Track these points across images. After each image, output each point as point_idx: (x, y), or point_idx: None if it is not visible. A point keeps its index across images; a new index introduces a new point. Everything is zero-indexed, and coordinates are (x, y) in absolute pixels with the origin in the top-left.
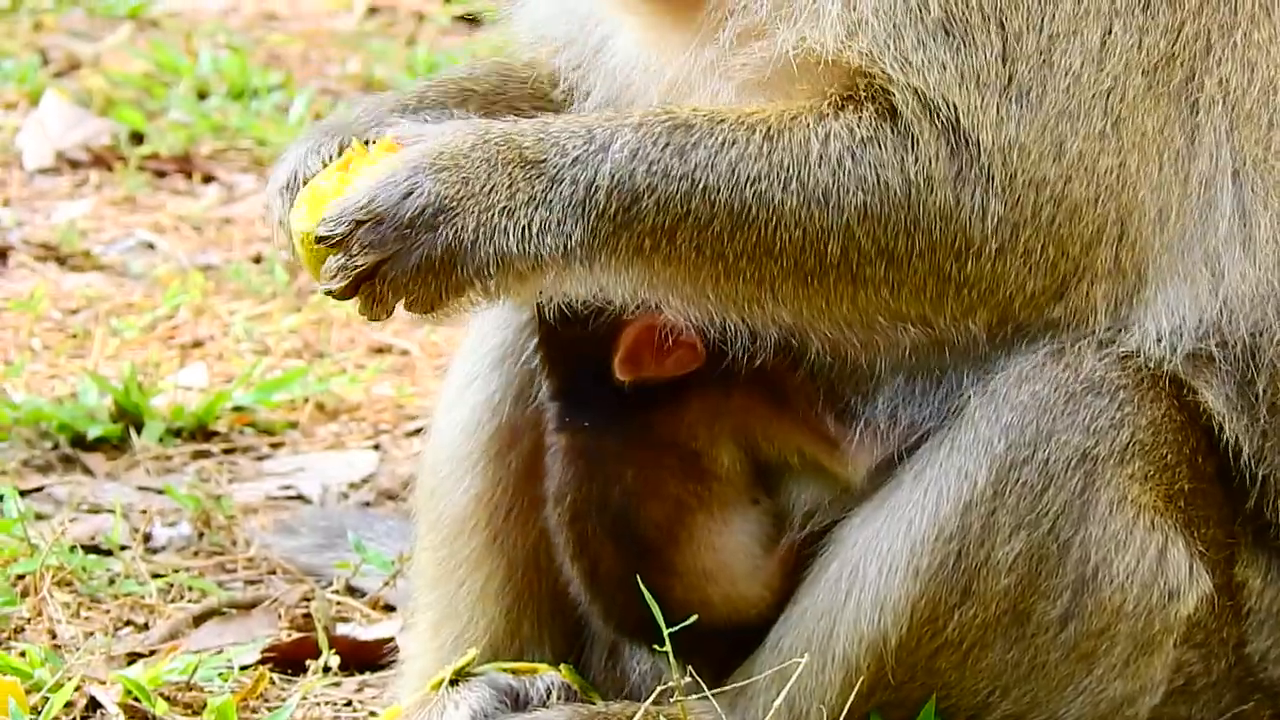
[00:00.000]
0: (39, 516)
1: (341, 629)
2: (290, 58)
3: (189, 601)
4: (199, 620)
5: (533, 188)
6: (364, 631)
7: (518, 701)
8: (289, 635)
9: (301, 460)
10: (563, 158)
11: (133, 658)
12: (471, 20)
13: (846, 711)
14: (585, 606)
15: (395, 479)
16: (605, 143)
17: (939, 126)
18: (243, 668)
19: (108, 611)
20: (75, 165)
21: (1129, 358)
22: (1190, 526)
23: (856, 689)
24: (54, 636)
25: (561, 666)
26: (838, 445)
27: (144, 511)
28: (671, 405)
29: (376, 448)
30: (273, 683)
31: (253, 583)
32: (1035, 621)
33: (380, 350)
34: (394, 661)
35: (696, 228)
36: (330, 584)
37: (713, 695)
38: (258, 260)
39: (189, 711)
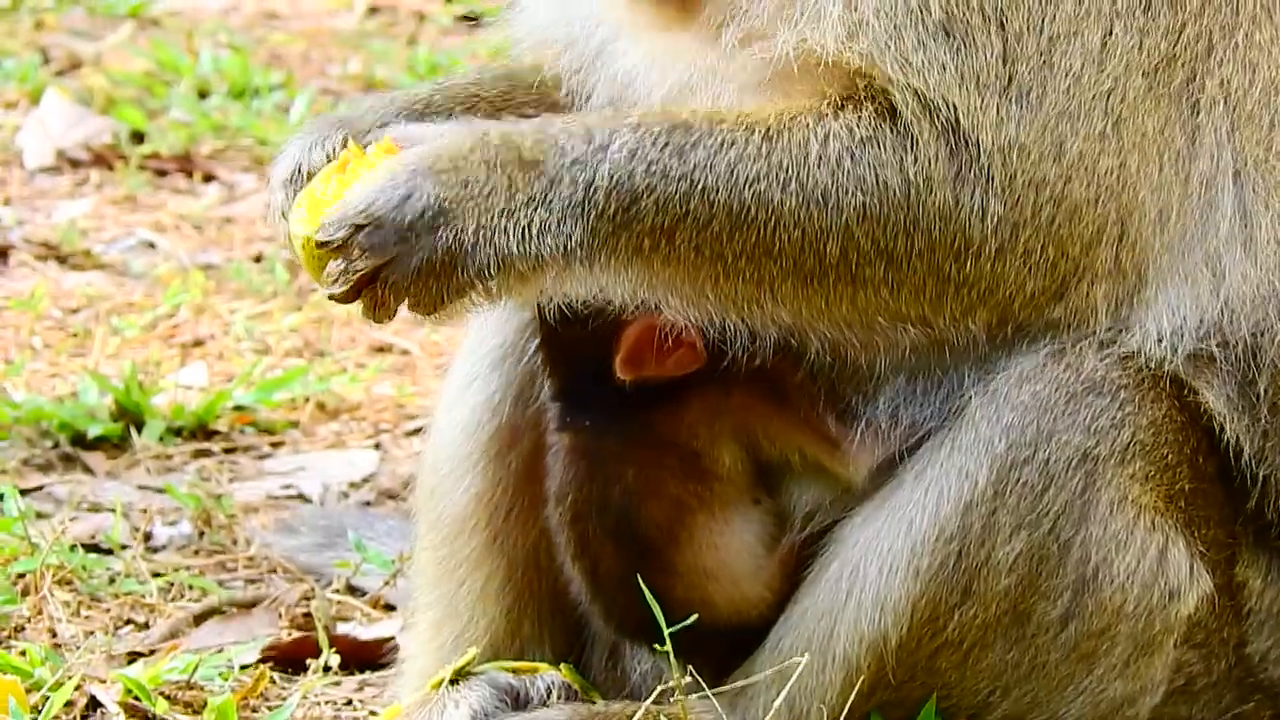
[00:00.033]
0: (39, 515)
1: (342, 628)
2: (291, 57)
3: (189, 600)
4: (199, 619)
5: (532, 189)
6: (364, 631)
7: (518, 701)
8: (289, 634)
9: (302, 459)
10: (562, 158)
11: (133, 657)
12: (472, 20)
13: (847, 711)
14: (586, 606)
15: (396, 478)
16: (604, 143)
17: (939, 127)
18: (243, 667)
19: (108, 610)
20: (76, 164)
21: (1130, 358)
22: (1191, 527)
23: (857, 689)
24: (54, 635)
25: (562, 666)
26: (838, 445)
27: (144, 510)
28: (672, 405)
29: (377, 447)
30: (273, 682)
31: (253, 582)
32: (1036, 621)
33: (381, 350)
34: (394, 661)
35: (695, 228)
36: (330, 583)
37: (713, 695)
38: (258, 259)
39: (189, 710)
